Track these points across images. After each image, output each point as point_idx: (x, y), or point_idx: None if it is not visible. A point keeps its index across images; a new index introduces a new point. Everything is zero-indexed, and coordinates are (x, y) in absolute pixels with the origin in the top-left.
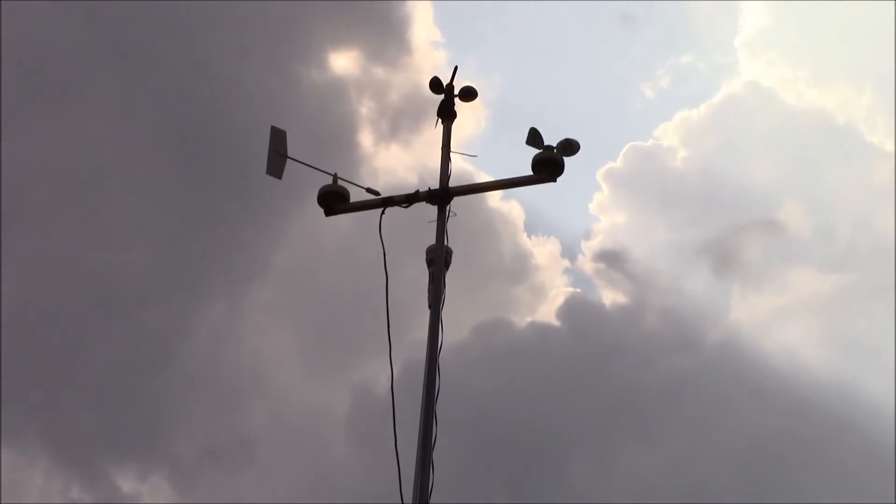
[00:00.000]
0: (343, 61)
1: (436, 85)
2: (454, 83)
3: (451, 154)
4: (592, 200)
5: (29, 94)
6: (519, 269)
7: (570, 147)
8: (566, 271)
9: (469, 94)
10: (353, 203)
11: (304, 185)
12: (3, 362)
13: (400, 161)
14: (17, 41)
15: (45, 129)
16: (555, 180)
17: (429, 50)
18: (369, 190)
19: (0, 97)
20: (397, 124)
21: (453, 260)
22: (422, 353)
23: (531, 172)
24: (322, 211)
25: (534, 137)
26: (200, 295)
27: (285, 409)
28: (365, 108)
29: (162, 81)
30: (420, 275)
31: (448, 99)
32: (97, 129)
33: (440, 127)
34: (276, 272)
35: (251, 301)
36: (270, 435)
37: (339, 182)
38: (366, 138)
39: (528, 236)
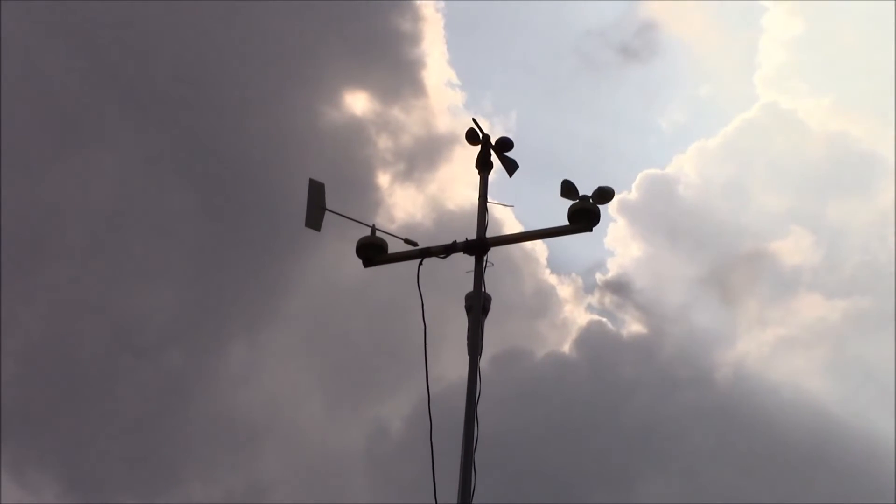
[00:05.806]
0: (358, 101)
1: (472, 136)
2: (481, 133)
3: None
4: (607, 234)
5: (60, 137)
6: (541, 304)
7: (604, 195)
8: (586, 306)
9: (506, 145)
10: (391, 254)
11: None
12: (25, 399)
13: (415, 202)
14: (45, 82)
15: (74, 172)
16: (591, 230)
17: (444, 90)
18: (407, 241)
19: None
20: (413, 164)
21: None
22: (437, 388)
23: (565, 219)
24: (341, 253)
25: (567, 189)
26: (222, 338)
27: (301, 452)
28: (381, 148)
29: (183, 125)
30: (438, 313)
31: (486, 151)
32: (121, 173)
33: (456, 168)
34: (294, 314)
35: (270, 344)
36: (285, 477)
37: (377, 233)
38: (382, 179)
39: (551, 272)
